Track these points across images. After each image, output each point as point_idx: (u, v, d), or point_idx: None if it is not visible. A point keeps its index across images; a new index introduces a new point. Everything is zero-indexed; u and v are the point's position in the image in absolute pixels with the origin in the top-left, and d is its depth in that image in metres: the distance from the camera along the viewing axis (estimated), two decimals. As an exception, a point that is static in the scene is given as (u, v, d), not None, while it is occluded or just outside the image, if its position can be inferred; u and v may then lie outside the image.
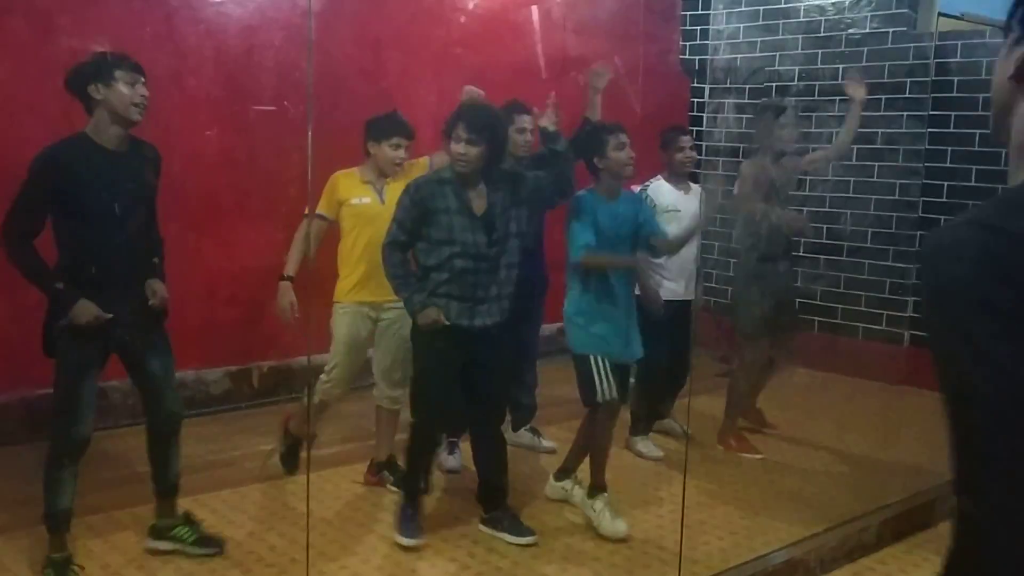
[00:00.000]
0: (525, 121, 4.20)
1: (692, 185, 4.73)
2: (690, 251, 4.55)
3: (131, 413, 4.73)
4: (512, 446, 4.15)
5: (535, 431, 4.73)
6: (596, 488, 3.90)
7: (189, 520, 3.53)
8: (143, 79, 3.14)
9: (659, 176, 4.67)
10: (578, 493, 4.01)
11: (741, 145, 6.34)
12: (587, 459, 3.99)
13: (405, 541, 3.61)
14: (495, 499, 3.81)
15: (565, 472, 4.08)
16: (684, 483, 3.81)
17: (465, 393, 3.71)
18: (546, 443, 4.70)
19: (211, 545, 3.50)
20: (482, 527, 3.79)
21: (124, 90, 3.09)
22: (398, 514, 3.72)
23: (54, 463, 3.22)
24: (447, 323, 3.54)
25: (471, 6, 5.81)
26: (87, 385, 3.19)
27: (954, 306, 0.97)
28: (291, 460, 4.21)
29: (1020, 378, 0.91)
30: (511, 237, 3.62)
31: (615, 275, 3.86)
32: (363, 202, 3.98)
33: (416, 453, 3.77)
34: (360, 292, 4.01)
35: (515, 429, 4.61)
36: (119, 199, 3.16)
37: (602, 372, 3.79)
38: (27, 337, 4.31)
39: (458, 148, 3.49)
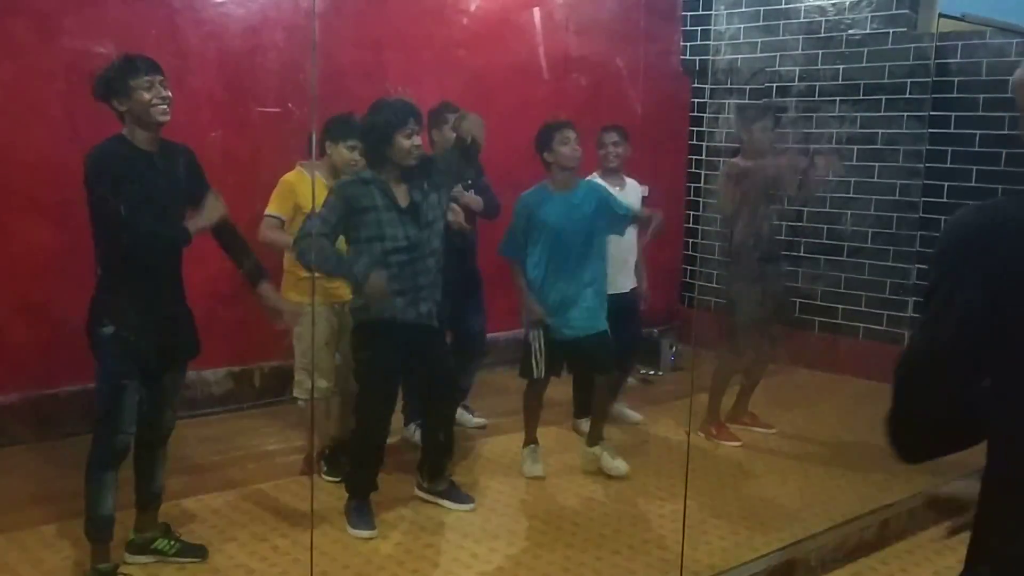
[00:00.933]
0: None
1: (628, 180, 4.89)
2: (627, 243, 4.71)
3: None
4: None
5: (468, 408, 5.02)
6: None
7: (168, 531, 3.49)
8: (160, 77, 3.14)
9: (594, 173, 4.79)
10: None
11: (738, 145, 6.35)
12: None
13: (361, 534, 3.70)
14: (437, 468, 4.02)
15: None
16: (686, 482, 3.82)
17: (418, 382, 3.98)
18: (476, 420, 5.00)
19: (194, 554, 3.47)
20: (419, 492, 4.03)
21: (143, 97, 3.10)
22: (349, 511, 3.79)
23: (96, 470, 3.21)
24: (392, 309, 3.67)
25: (473, 7, 5.81)
26: (129, 391, 3.19)
27: (949, 257, 1.43)
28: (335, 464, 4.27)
29: (973, 315, 1.37)
30: (436, 222, 3.79)
31: (563, 252, 4.23)
32: None
33: (363, 450, 3.85)
34: (338, 291, 4.10)
35: None
36: (153, 199, 3.16)
37: (538, 348, 4.28)
38: (32, 337, 4.33)
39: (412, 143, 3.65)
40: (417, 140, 3.67)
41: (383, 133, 3.62)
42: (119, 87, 3.09)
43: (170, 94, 3.15)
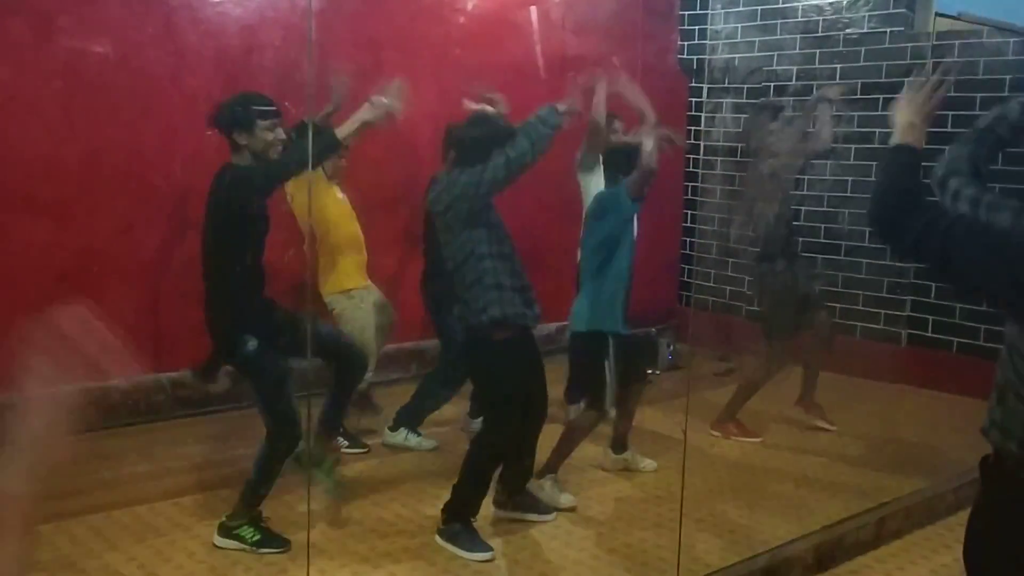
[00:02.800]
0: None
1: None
2: None
3: (130, 412, 4.76)
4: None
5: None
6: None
7: (257, 520, 3.59)
8: (279, 120, 3.40)
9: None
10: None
11: (739, 144, 6.35)
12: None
13: (481, 557, 3.55)
14: (519, 484, 3.89)
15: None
16: (683, 482, 3.83)
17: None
18: (427, 443, 4.69)
19: (274, 545, 3.55)
20: (498, 509, 3.87)
21: (266, 136, 3.35)
22: (457, 538, 3.59)
23: (272, 460, 3.53)
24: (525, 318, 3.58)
25: (470, 7, 5.82)
26: (289, 389, 3.50)
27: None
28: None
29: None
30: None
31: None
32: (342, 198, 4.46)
33: (484, 471, 3.70)
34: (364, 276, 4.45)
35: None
36: (259, 224, 3.49)
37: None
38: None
39: None
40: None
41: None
42: (245, 123, 3.33)
43: (284, 136, 3.44)
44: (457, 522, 3.61)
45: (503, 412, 3.62)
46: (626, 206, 4.03)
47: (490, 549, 3.57)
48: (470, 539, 3.58)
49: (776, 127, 4.88)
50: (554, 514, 3.92)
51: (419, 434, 4.68)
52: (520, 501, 3.90)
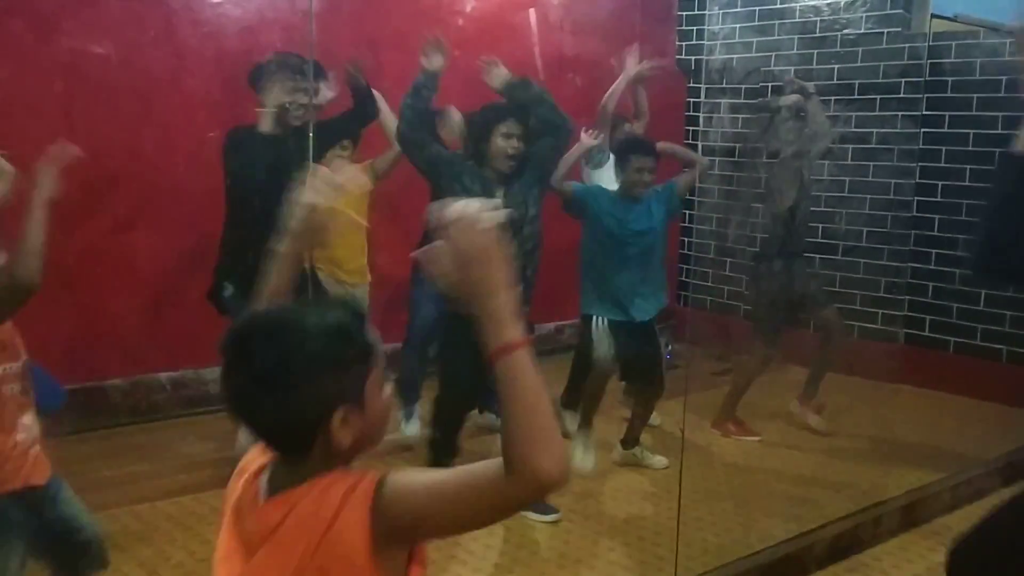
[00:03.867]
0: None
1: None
2: None
3: (131, 411, 4.79)
4: None
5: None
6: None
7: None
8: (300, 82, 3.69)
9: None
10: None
11: (736, 145, 6.37)
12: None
13: None
14: None
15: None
16: (680, 480, 3.85)
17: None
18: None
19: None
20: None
21: (280, 98, 3.79)
22: None
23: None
24: None
25: (469, 8, 5.84)
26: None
27: None
28: None
29: None
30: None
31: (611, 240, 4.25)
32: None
33: (447, 414, 3.88)
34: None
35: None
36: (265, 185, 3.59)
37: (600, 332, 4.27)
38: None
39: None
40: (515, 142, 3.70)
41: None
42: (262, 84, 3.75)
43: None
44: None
45: (456, 374, 3.78)
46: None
47: None
48: None
49: (794, 127, 4.91)
50: (555, 515, 3.93)
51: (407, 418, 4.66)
52: None
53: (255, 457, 1.41)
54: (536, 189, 3.79)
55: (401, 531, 1.28)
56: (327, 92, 4.11)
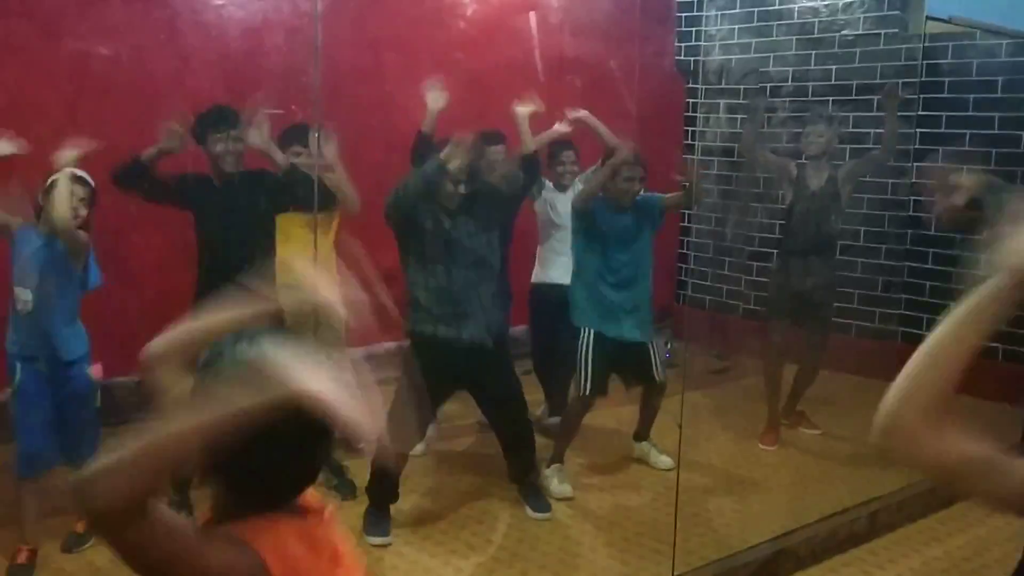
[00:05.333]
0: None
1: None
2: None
3: (136, 409, 4.83)
4: None
5: None
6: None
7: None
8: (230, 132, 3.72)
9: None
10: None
11: (734, 145, 6.41)
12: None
13: (376, 541, 3.67)
14: (519, 472, 4.06)
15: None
16: (677, 474, 3.90)
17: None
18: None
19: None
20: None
21: (214, 148, 3.80)
22: (366, 518, 3.74)
23: None
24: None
25: (471, 11, 5.89)
26: None
27: None
28: None
29: None
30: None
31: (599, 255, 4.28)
32: None
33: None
34: None
35: None
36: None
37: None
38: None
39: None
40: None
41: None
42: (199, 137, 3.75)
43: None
44: (372, 507, 3.78)
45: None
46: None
47: (386, 535, 3.70)
48: (371, 523, 3.73)
49: (827, 131, 4.97)
50: (548, 514, 3.97)
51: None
52: (521, 491, 4.04)
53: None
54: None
55: None
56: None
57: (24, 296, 3.37)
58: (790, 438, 5.05)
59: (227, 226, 3.76)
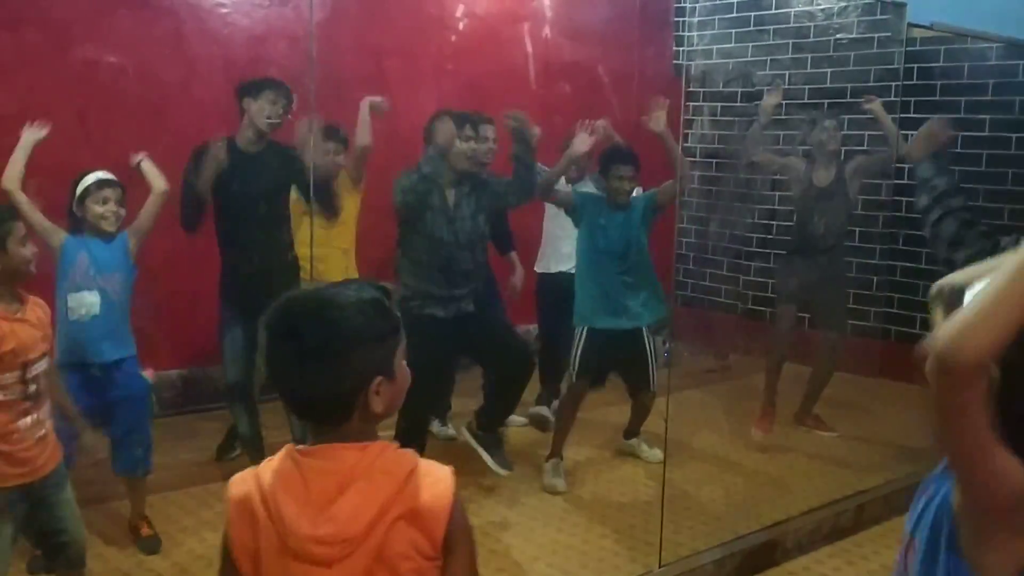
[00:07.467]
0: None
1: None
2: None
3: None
4: None
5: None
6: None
7: None
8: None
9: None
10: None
11: (733, 147, 6.51)
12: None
13: None
14: (494, 422, 4.22)
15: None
16: (664, 469, 4.00)
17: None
18: (444, 431, 4.87)
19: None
20: (465, 431, 4.23)
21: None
22: None
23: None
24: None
25: (469, 17, 6.00)
26: (247, 364, 4.12)
27: None
28: None
29: None
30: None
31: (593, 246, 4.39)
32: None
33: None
34: None
35: None
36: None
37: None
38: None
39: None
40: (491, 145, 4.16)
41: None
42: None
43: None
44: None
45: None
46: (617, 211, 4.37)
47: None
48: None
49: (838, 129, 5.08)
50: (507, 472, 4.15)
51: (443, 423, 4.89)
52: (486, 438, 4.18)
53: (240, 491, 1.49)
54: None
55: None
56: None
57: (91, 299, 3.46)
58: (779, 434, 5.11)
59: (247, 192, 3.99)
